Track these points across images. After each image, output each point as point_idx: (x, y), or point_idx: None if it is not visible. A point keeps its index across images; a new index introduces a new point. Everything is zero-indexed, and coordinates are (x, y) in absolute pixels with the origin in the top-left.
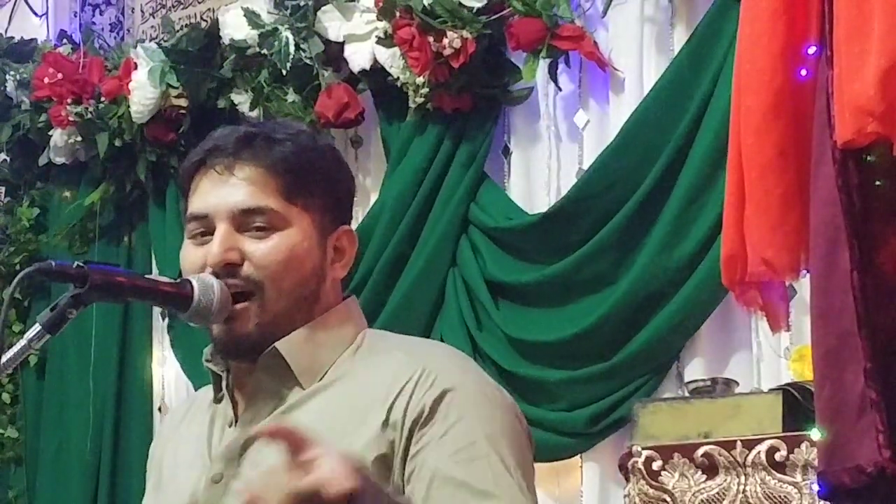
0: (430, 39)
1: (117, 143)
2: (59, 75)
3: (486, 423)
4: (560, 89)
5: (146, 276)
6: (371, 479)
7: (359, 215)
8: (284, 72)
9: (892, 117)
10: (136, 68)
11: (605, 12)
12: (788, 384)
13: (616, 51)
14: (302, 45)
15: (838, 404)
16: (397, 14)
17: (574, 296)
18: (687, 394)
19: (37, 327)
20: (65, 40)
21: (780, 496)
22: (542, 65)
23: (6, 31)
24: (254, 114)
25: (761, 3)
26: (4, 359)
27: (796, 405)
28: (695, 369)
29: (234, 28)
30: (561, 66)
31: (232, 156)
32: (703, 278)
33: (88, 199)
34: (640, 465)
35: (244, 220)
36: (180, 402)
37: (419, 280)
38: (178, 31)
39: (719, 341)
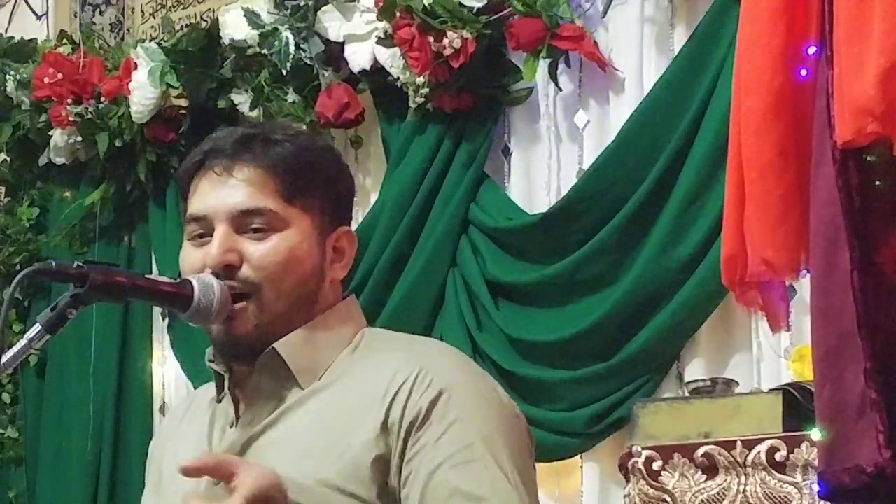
0: (431, 39)
1: (117, 143)
2: (59, 75)
3: (482, 425)
4: (560, 89)
5: (146, 276)
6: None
7: (359, 215)
8: (284, 72)
9: (892, 117)
10: (136, 68)
11: (605, 12)
12: (788, 384)
13: (616, 51)
14: (302, 45)
15: (838, 404)
16: (397, 14)
17: (574, 296)
18: (687, 394)
19: (37, 327)
20: (65, 40)
21: (780, 496)
22: (542, 65)
23: (6, 31)
24: (254, 114)
25: (761, 3)
26: (4, 359)
27: (796, 405)
28: (695, 369)
29: (234, 28)
30: (561, 66)
31: (231, 157)
32: (703, 278)
33: (88, 199)
34: (640, 465)
35: (243, 222)
36: (180, 402)
37: (419, 280)
38: (178, 31)
39: (719, 341)
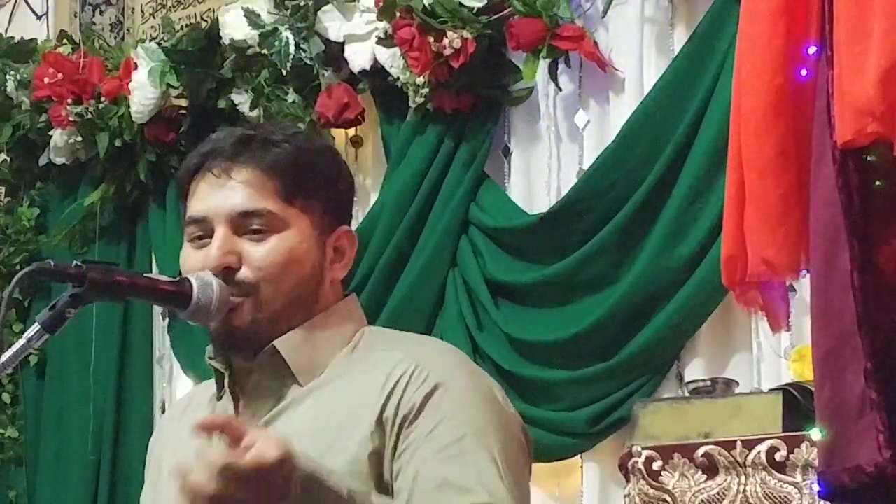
0: (431, 39)
1: (117, 143)
2: (59, 75)
3: (475, 419)
4: (560, 89)
5: (145, 275)
6: (307, 463)
7: (359, 215)
8: (284, 72)
9: (892, 117)
10: (136, 68)
11: (605, 12)
12: (788, 384)
13: (616, 51)
14: (302, 45)
15: (838, 404)
16: (397, 14)
17: (574, 296)
18: (687, 394)
19: (36, 327)
20: (65, 40)
21: (780, 496)
22: (543, 65)
23: (6, 31)
24: (254, 114)
25: (761, 3)
26: (4, 359)
27: (796, 405)
28: (695, 369)
29: (234, 28)
30: (561, 66)
31: (229, 158)
32: (703, 278)
33: (88, 199)
34: (641, 465)
35: (242, 223)
36: (180, 399)
37: (419, 280)
38: (178, 31)
39: (719, 341)
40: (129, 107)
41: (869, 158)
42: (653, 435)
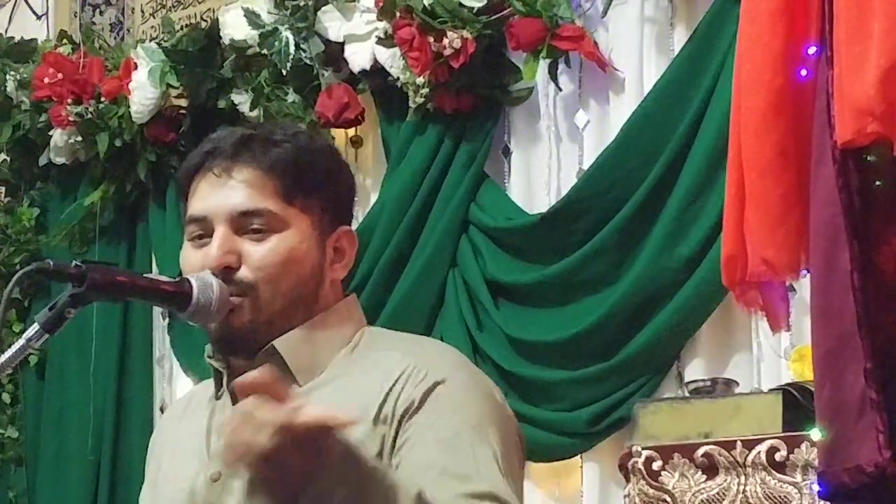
0: (431, 39)
1: (117, 143)
2: (59, 75)
3: (474, 415)
4: (560, 89)
5: (145, 275)
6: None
7: (359, 215)
8: (284, 72)
9: (892, 117)
10: (136, 68)
11: (605, 12)
12: (788, 384)
13: (616, 51)
14: (302, 45)
15: (838, 404)
16: (397, 14)
17: (574, 296)
18: (687, 394)
19: (35, 327)
20: (65, 40)
21: (780, 496)
22: (542, 65)
23: (6, 31)
24: (254, 114)
25: (761, 3)
26: (4, 359)
27: (796, 405)
28: (695, 369)
29: (234, 28)
30: (561, 66)
31: (230, 158)
32: (703, 278)
33: (88, 199)
34: (640, 465)
35: (242, 223)
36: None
37: (419, 280)
38: (178, 31)
39: (719, 341)
40: (129, 107)
41: (869, 158)
42: (653, 435)
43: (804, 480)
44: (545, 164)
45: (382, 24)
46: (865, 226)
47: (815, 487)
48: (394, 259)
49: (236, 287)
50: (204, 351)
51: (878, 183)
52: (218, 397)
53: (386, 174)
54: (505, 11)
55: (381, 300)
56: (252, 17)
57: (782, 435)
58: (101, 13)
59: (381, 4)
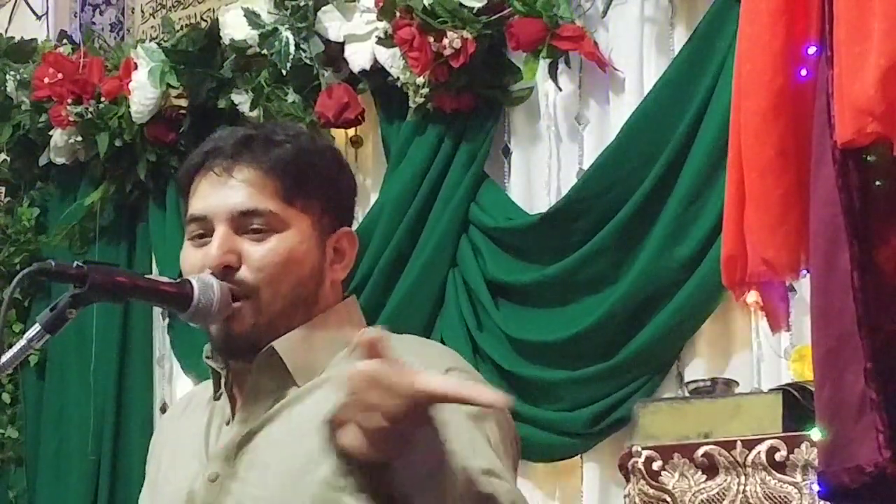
0: (431, 39)
1: (117, 143)
2: (59, 75)
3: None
4: (560, 89)
5: (146, 276)
6: None
7: (359, 215)
8: (284, 72)
9: (892, 117)
10: (136, 68)
11: (605, 12)
12: (788, 384)
13: (616, 51)
14: (302, 45)
15: (838, 404)
16: (397, 14)
17: (574, 296)
18: (687, 394)
19: (36, 327)
20: (65, 40)
21: (780, 496)
22: (542, 65)
23: (6, 31)
24: (254, 114)
25: (761, 3)
26: (4, 359)
27: (796, 405)
28: (695, 369)
29: (234, 28)
30: (561, 66)
31: (231, 158)
32: (703, 278)
33: (88, 199)
34: (640, 465)
35: (243, 222)
36: (180, 399)
37: (419, 280)
38: (178, 31)
39: (719, 341)
40: (129, 107)
41: (869, 158)
42: (653, 435)
43: (804, 480)
44: (545, 164)
45: (382, 24)
46: (865, 226)
47: (815, 487)
48: (394, 259)
49: (237, 287)
50: (203, 351)
51: (878, 183)
52: (216, 398)
53: (386, 174)
54: (505, 11)
55: (381, 300)
56: (252, 17)
57: (782, 435)
58: (101, 13)
59: (381, 4)
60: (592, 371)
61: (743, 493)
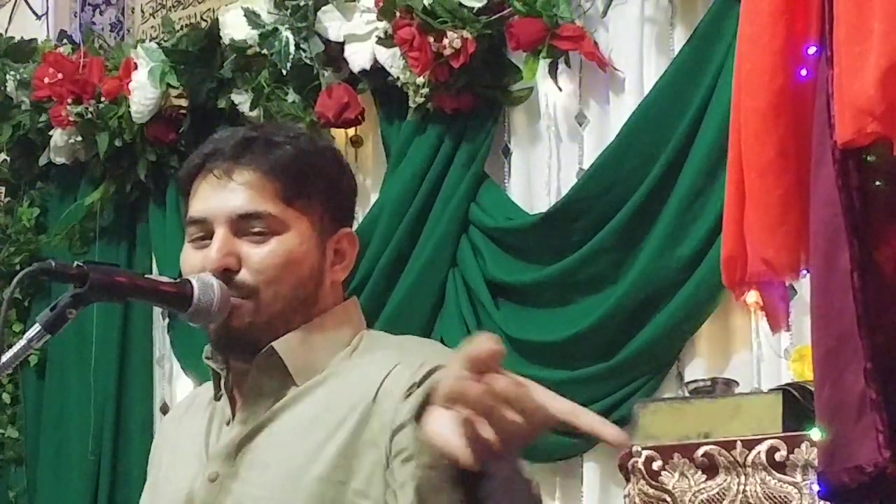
0: (431, 39)
1: (117, 143)
2: (59, 75)
3: None
4: (560, 89)
5: (146, 276)
6: None
7: (359, 216)
8: (284, 72)
9: (892, 117)
10: (136, 68)
11: (605, 12)
12: (788, 384)
13: (616, 51)
14: (302, 45)
15: (838, 404)
16: (397, 14)
17: (574, 296)
18: (687, 394)
19: (36, 327)
20: (65, 40)
21: (780, 496)
22: (543, 65)
23: (6, 31)
24: (254, 114)
25: (761, 3)
26: (4, 359)
27: (796, 405)
28: (695, 369)
29: (234, 28)
30: (561, 66)
31: (231, 160)
32: (703, 278)
33: (88, 199)
34: (640, 465)
35: (242, 225)
36: (181, 400)
37: (419, 280)
38: (178, 31)
39: (719, 341)
40: (129, 107)
41: (869, 158)
42: (653, 435)
43: (804, 480)
44: (545, 164)
45: (382, 24)
46: (865, 226)
47: (815, 487)
48: (394, 259)
49: (237, 289)
50: (203, 351)
51: (877, 183)
52: (217, 398)
53: (386, 174)
54: (505, 11)
55: (381, 300)
56: (252, 17)
57: (782, 435)
58: (101, 13)
59: (381, 4)
60: (592, 371)
61: (743, 493)
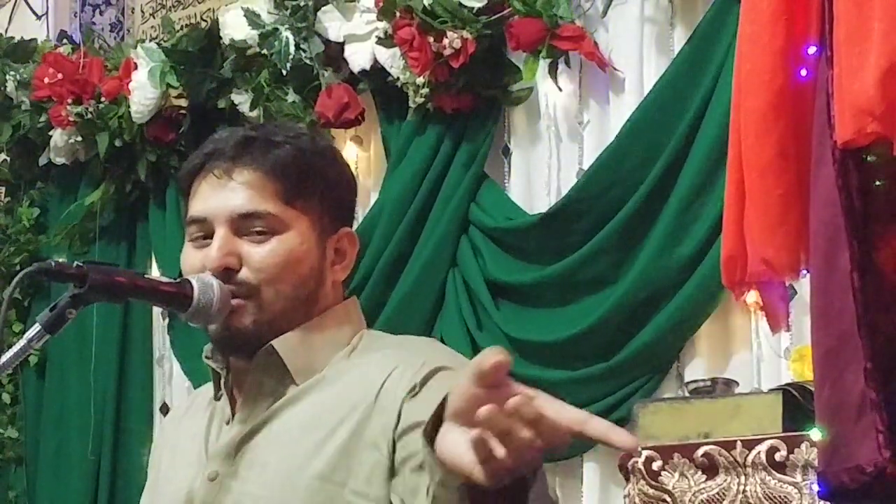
0: (431, 39)
1: (117, 143)
2: (59, 75)
3: None
4: (560, 89)
5: (146, 276)
6: None
7: (359, 215)
8: (284, 72)
9: (892, 117)
10: (136, 68)
11: (605, 12)
12: (788, 384)
13: (616, 51)
14: (302, 45)
15: (838, 404)
16: (397, 14)
17: (574, 296)
18: (687, 394)
19: (36, 327)
20: (65, 40)
21: (780, 496)
22: (542, 65)
23: (6, 31)
24: (254, 114)
25: (761, 3)
26: (4, 359)
27: (796, 405)
28: (695, 369)
29: (234, 28)
30: (561, 66)
31: (231, 159)
32: (703, 278)
33: (88, 199)
34: (640, 465)
35: (243, 225)
36: (182, 400)
37: (419, 280)
38: (178, 31)
39: (719, 341)
40: (129, 107)
41: (869, 158)
42: (653, 435)
43: (804, 480)
44: (545, 164)
45: (382, 24)
46: (865, 226)
47: (815, 487)
48: (394, 259)
49: (237, 289)
50: (203, 351)
51: (877, 183)
52: (217, 398)
53: (386, 174)
54: (505, 11)
55: (381, 300)
56: (252, 17)
57: (782, 435)
58: (101, 13)
59: (381, 4)
60: (592, 371)
61: (743, 493)
